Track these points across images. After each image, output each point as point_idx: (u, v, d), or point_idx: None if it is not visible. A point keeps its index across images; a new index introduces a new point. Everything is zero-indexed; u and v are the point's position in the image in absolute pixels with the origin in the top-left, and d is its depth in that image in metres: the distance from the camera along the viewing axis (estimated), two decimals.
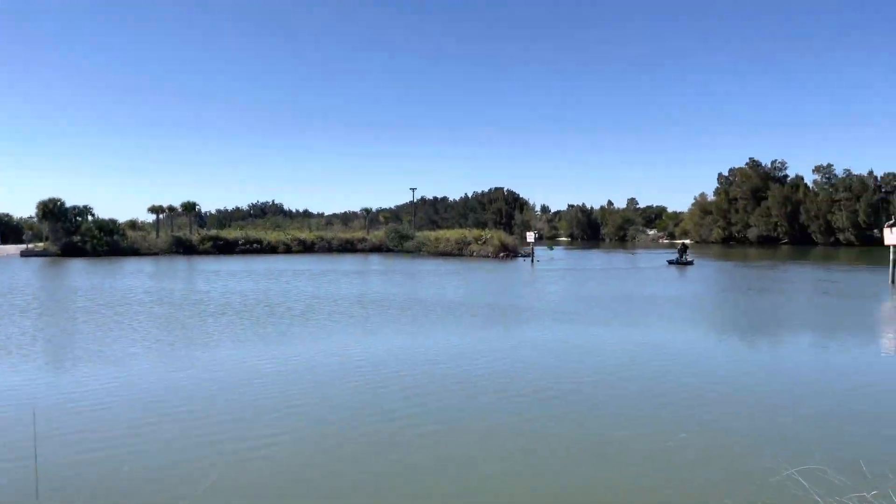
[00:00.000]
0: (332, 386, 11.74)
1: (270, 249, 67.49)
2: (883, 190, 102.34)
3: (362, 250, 70.18)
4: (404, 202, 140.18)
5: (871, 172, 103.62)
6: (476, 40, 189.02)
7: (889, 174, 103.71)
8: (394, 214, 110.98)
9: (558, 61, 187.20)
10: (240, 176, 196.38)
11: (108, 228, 61.69)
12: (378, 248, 70.66)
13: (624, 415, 9.91)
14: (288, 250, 67.84)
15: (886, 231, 34.04)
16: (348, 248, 71.02)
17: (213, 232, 73.76)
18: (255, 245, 67.35)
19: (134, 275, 37.83)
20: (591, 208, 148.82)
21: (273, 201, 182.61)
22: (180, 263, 49.80)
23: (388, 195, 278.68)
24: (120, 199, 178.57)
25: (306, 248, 69.44)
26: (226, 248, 65.85)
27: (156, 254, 61.25)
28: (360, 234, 76.53)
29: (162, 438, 8.72)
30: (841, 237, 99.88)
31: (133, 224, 69.82)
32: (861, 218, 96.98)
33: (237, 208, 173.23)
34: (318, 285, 31.16)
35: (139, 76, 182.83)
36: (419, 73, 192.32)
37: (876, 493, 4.17)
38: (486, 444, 8.56)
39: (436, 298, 25.63)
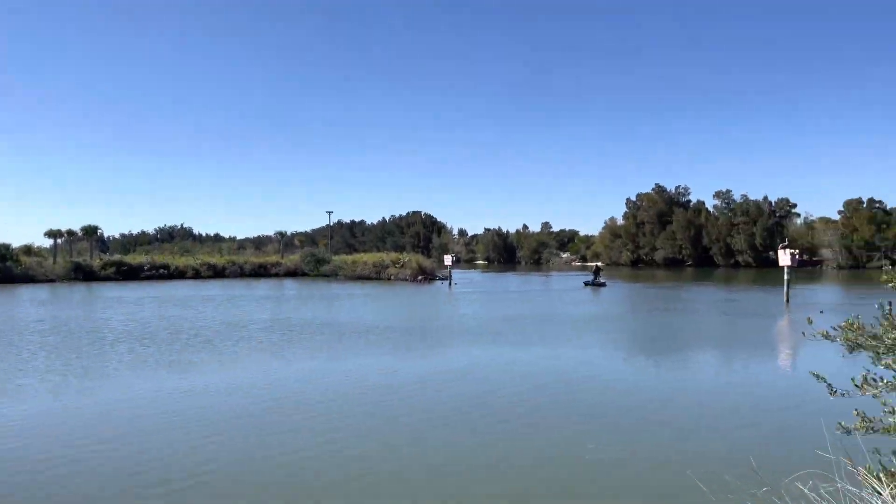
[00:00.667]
0: (238, 413, 11.26)
1: (179, 275, 65.00)
2: (777, 214, 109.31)
3: (276, 275, 68.64)
4: (320, 225, 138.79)
5: (766, 198, 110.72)
6: (391, 61, 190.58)
7: (783, 199, 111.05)
8: (309, 238, 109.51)
9: (474, 88, 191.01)
10: (145, 198, 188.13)
11: (0, 254, 57.82)
12: (293, 273, 69.33)
13: (538, 427, 9.99)
14: (197, 275, 65.52)
15: (781, 252, 36.21)
16: (262, 272, 69.33)
17: (117, 257, 70.32)
18: (161, 270, 64.69)
19: (27, 303, 35.48)
20: (507, 232, 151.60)
21: (182, 225, 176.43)
22: (79, 290, 47.14)
23: (304, 218, 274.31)
24: (14, 223, 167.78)
25: (217, 273, 67.28)
26: (130, 273, 62.88)
27: (53, 280, 57.77)
28: (273, 259, 74.86)
29: (54, 473, 8.08)
30: (740, 259, 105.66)
31: (28, 249, 65.58)
32: (758, 241, 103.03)
33: (143, 232, 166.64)
34: (227, 311, 30.15)
35: (34, 92, 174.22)
36: (333, 93, 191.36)
37: (766, 489, 4.36)
38: (411, 462, 8.39)
39: (352, 322, 25.25)
